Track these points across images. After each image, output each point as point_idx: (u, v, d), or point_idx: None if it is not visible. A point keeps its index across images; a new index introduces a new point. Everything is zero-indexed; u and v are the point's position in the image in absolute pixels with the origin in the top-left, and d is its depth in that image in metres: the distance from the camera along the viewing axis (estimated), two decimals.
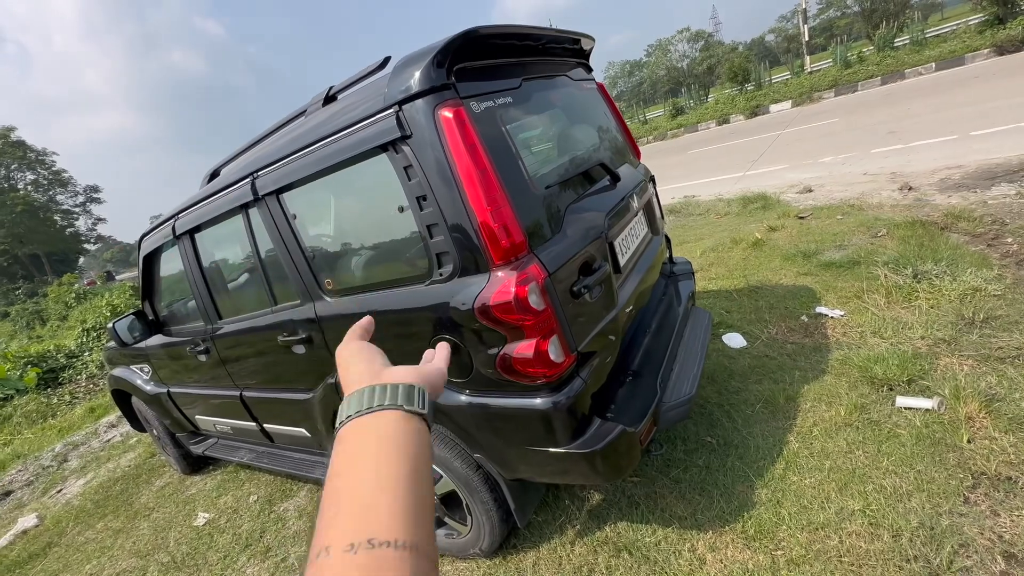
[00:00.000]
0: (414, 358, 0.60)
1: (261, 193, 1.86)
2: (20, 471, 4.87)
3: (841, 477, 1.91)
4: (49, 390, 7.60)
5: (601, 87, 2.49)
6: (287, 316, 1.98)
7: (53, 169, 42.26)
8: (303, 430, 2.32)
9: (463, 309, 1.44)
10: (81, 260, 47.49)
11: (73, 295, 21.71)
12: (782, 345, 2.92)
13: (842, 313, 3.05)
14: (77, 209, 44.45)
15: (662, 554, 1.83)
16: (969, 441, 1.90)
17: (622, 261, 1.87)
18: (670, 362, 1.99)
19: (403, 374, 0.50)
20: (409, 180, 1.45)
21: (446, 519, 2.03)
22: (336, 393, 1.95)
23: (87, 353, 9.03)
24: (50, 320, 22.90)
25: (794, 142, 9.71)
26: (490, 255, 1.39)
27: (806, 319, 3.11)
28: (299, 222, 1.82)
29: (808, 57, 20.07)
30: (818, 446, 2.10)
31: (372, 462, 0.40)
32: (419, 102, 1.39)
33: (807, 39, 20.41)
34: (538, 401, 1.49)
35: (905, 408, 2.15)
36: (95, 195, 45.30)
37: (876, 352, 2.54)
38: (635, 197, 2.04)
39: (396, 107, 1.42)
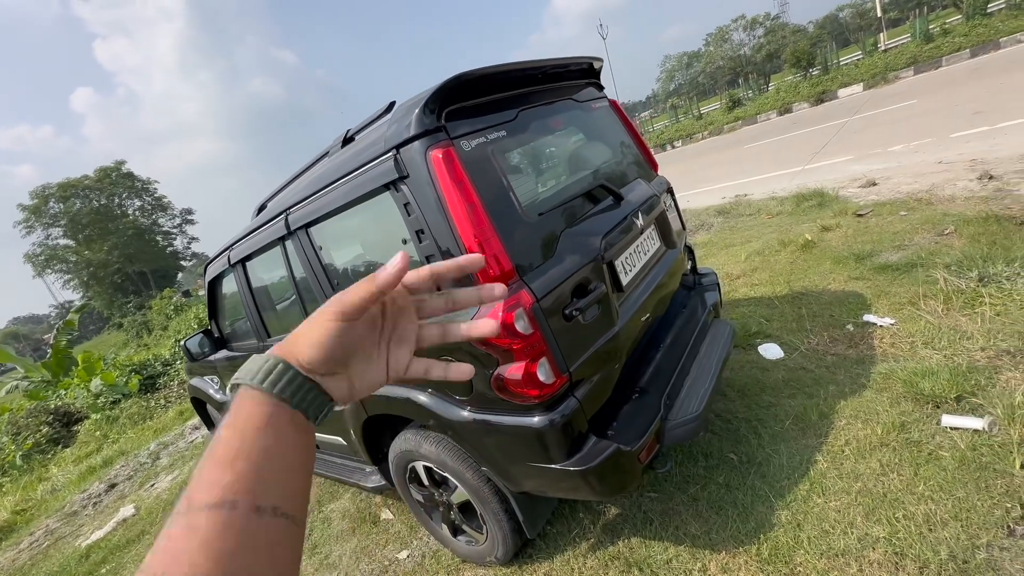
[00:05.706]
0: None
1: (293, 227, 2.08)
2: (123, 466, 5.60)
3: (870, 501, 1.81)
4: (148, 394, 8.65)
5: (614, 103, 2.51)
6: None
7: (155, 195, 47.77)
8: (340, 438, 2.53)
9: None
10: (179, 276, 52.99)
11: (172, 307, 24.37)
12: (822, 357, 2.76)
13: (892, 322, 2.83)
14: (175, 231, 49.83)
15: (672, 572, 1.82)
16: (1022, 467, 1.73)
17: (625, 280, 1.89)
18: (680, 378, 1.98)
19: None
20: (409, 216, 1.58)
21: (464, 527, 2.14)
22: (363, 408, 2.12)
23: (178, 362, 10.15)
24: (154, 330, 25.85)
25: (862, 130, 8.97)
26: (480, 283, 1.49)
27: (852, 328, 2.92)
28: (324, 252, 2.02)
29: (883, 33, 18.41)
30: (848, 467, 1.99)
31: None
32: (414, 145, 1.52)
33: (880, 13, 18.74)
34: (534, 419, 1.56)
35: (951, 428, 1.98)
36: (189, 217, 50.59)
37: (925, 365, 2.35)
38: (641, 215, 2.05)
39: (395, 150, 1.55)
